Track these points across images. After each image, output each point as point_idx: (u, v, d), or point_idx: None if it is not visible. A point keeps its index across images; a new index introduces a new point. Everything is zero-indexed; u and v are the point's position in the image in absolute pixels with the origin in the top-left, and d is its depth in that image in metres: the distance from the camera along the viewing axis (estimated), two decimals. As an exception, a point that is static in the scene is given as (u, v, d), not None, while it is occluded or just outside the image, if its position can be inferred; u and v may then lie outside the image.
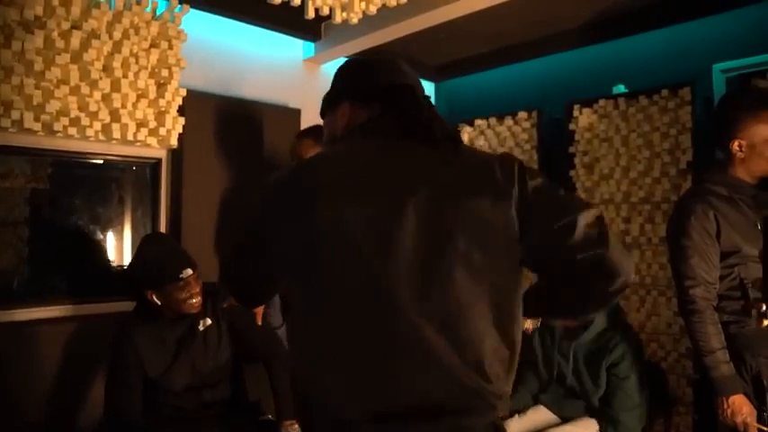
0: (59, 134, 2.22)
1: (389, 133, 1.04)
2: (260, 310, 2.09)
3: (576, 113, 3.01)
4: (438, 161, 1.00)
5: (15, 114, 2.07)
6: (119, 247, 2.61)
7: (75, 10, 2.18)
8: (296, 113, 3.02)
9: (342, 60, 3.16)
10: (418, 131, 1.02)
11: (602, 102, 2.92)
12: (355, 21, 2.40)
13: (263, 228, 1.05)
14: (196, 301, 2.00)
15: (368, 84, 1.13)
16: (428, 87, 3.96)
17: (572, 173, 3.01)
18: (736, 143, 1.86)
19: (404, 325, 0.91)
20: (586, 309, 1.10)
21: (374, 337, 0.92)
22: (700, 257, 1.85)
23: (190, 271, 1.97)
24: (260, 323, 2.13)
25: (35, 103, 2.11)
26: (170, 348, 2.06)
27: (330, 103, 1.19)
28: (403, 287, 0.91)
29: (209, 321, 2.11)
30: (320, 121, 3.33)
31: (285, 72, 3.09)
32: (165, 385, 2.06)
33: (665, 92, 2.71)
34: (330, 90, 1.21)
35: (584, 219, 0.96)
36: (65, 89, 2.19)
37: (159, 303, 1.97)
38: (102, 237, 2.59)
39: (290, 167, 1.08)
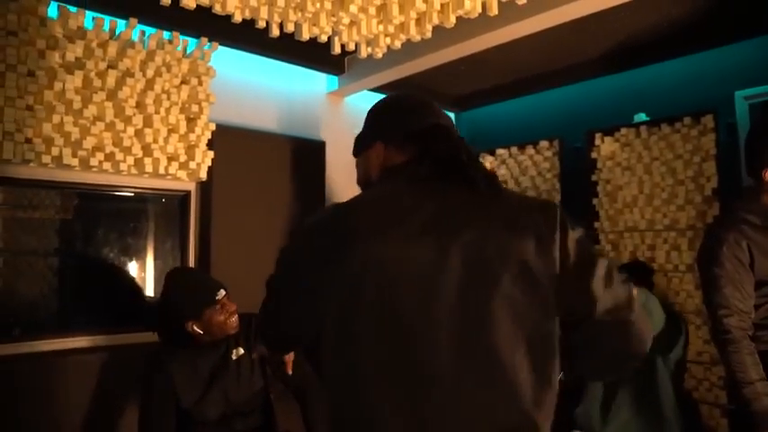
0: (94, 169, 2.29)
1: (428, 177, 1.02)
2: (289, 357, 2.11)
3: (597, 142, 3.03)
4: (478, 204, 0.99)
5: (55, 151, 2.15)
6: (148, 279, 2.66)
7: (112, 50, 2.27)
8: (321, 145, 3.08)
9: (365, 93, 3.29)
10: (457, 174, 1.01)
11: (623, 130, 2.94)
12: (380, 55, 2.47)
13: (302, 272, 1.03)
14: (234, 319, 2.04)
15: (403, 125, 1.12)
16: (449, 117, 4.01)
17: (594, 201, 3.02)
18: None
19: (445, 374, 0.89)
20: (603, 373, 1.11)
21: (415, 381, 0.90)
22: (733, 287, 1.83)
23: (223, 291, 2.03)
24: (290, 371, 2.14)
25: (73, 139, 2.19)
26: (203, 378, 2.08)
27: (363, 143, 1.18)
28: (445, 333, 0.90)
29: (241, 351, 2.13)
30: (345, 153, 3.39)
31: (310, 105, 3.16)
32: (197, 415, 2.07)
33: (687, 119, 2.72)
34: (363, 130, 1.20)
35: (617, 280, 0.99)
36: (100, 125, 2.27)
37: (201, 333, 2.00)
38: (131, 268, 2.64)
39: (328, 210, 1.07)
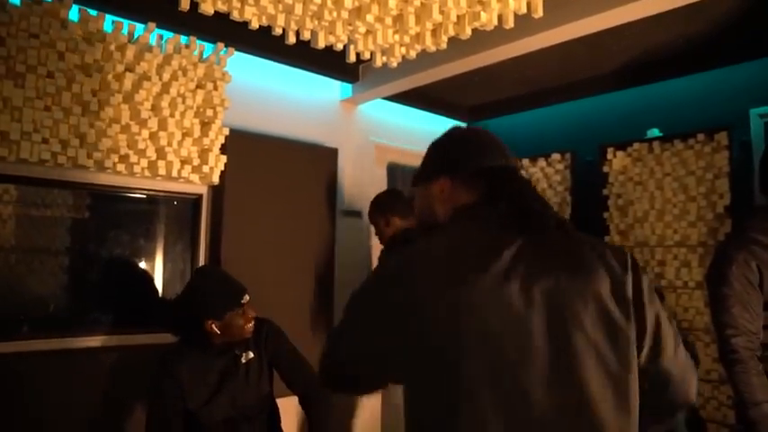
0: (108, 170, 2.32)
1: (502, 220, 1.02)
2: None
3: (609, 156, 3.03)
4: (553, 248, 1.00)
5: (71, 152, 2.18)
6: (157, 280, 2.67)
7: (130, 54, 2.30)
8: (333, 152, 3.09)
9: (378, 102, 3.30)
10: (532, 220, 1.01)
11: (636, 145, 2.94)
12: (395, 64, 2.47)
13: (379, 319, 1.00)
14: (251, 325, 2.06)
15: (473, 162, 1.11)
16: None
17: (606, 215, 3.01)
18: None
19: (538, 419, 0.90)
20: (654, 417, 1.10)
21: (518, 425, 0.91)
22: (742, 307, 1.81)
23: (247, 296, 2.05)
24: None
25: (89, 141, 2.22)
26: (212, 380, 2.09)
27: (427, 175, 1.17)
28: (537, 377, 0.91)
29: (251, 354, 2.14)
30: (357, 161, 3.37)
31: (323, 112, 3.18)
32: (204, 417, 2.08)
33: (700, 136, 2.71)
34: (427, 161, 1.19)
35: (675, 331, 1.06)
36: (116, 128, 2.29)
37: (219, 333, 2.01)
38: (141, 269, 2.65)
39: (405, 256, 1.04)
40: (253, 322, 2.07)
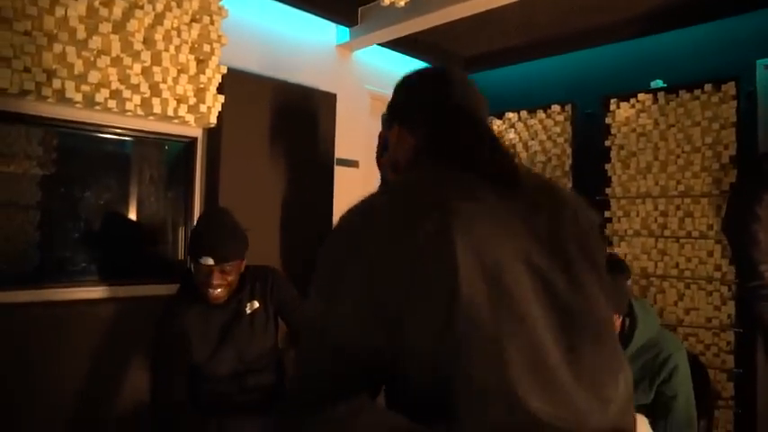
0: (98, 107, 2.13)
1: (449, 169, 0.85)
2: None
3: (612, 107, 2.99)
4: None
5: (57, 83, 1.97)
6: (149, 228, 2.51)
7: (119, -23, 2.10)
8: (332, 98, 2.95)
9: (375, 48, 3.16)
10: (477, 171, 0.84)
11: (640, 96, 2.90)
12: (402, 3, 2.35)
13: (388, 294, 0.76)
14: (212, 291, 1.91)
15: (412, 105, 0.99)
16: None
17: (607, 166, 2.99)
18: None
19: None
20: None
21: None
22: None
23: (210, 260, 1.87)
24: None
25: (76, 72, 2.02)
26: (215, 332, 1.99)
27: (385, 124, 1.07)
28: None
29: (256, 304, 2.04)
30: (351, 106, 3.24)
31: (319, 57, 3.02)
32: (208, 370, 1.98)
33: (708, 86, 2.69)
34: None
35: None
36: (106, 59, 2.09)
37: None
38: (132, 217, 2.48)
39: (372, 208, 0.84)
40: (218, 291, 1.92)
